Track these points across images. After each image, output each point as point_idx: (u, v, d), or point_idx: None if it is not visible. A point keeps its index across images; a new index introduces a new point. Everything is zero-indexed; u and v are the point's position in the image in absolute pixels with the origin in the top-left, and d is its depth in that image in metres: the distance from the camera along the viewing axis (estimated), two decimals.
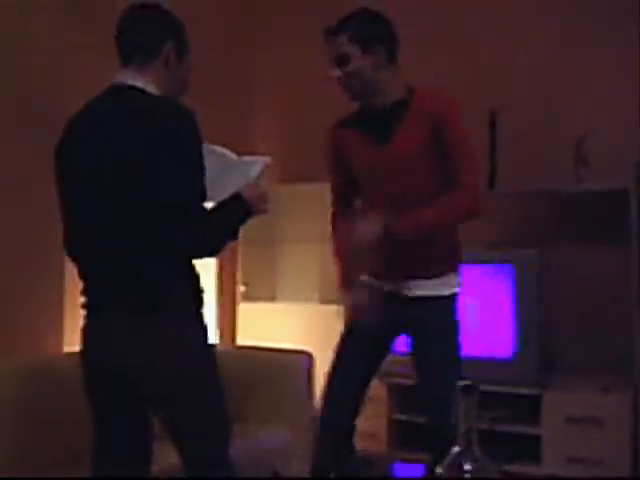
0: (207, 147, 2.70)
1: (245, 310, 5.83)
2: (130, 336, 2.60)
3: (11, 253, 4.01)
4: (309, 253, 5.63)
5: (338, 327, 4.78)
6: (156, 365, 2.60)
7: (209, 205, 2.68)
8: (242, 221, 2.77)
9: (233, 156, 2.91)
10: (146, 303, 2.62)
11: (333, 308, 5.30)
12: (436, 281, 3.27)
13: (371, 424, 4.61)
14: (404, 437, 5.03)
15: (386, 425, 5.03)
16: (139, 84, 2.68)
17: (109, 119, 2.61)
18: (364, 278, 3.33)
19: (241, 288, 5.86)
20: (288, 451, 4.30)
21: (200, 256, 2.69)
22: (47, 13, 4.23)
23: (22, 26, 4.09)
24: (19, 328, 4.05)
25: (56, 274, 4.23)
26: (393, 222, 3.08)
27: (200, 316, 2.71)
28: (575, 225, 5.01)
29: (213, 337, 2.90)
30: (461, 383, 1.68)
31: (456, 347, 3.28)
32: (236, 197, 2.76)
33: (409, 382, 4.38)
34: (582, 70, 5.07)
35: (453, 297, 3.31)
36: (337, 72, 3.21)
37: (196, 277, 2.72)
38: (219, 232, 2.67)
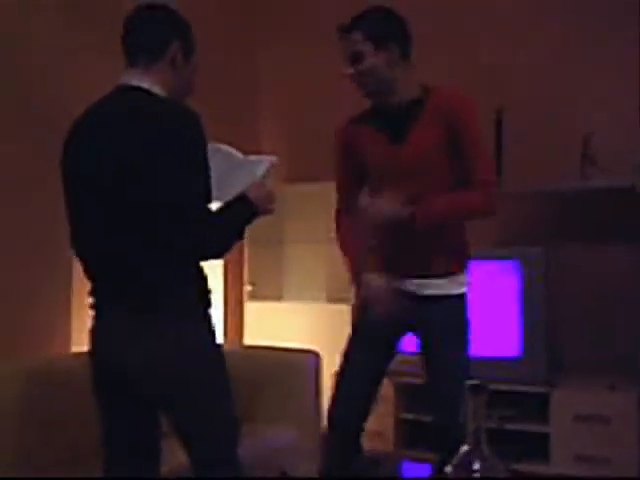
0: (212, 146, 2.69)
1: (252, 309, 5.84)
2: (130, 336, 2.60)
3: (17, 253, 4.01)
4: (316, 252, 5.62)
5: (345, 326, 4.79)
6: (157, 365, 2.59)
7: (215, 205, 2.67)
8: (248, 221, 2.76)
9: (239, 155, 2.91)
10: (146, 303, 2.60)
11: (340, 307, 5.32)
12: (445, 280, 3.25)
13: (378, 423, 4.61)
14: (411, 436, 5.03)
15: (393, 424, 5.02)
16: (145, 85, 2.67)
17: (111, 120, 2.61)
18: (375, 275, 3.31)
19: (248, 287, 5.86)
20: (296, 450, 4.30)
21: (205, 257, 2.68)
22: (47, 13, 4.23)
23: (22, 26, 4.09)
24: (27, 328, 4.05)
25: (64, 274, 4.24)
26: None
27: (206, 317, 2.70)
28: (581, 223, 5.01)
29: (219, 337, 2.89)
30: (470, 382, 1.66)
31: (465, 346, 3.26)
32: (241, 198, 2.75)
33: (416, 381, 4.38)
34: (582, 70, 5.07)
35: (462, 296, 3.29)
36: (351, 70, 3.19)
37: (202, 278, 2.71)
38: (223, 233, 2.66)
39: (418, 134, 3.18)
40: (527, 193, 4.97)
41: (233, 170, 2.86)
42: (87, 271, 2.72)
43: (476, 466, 1.65)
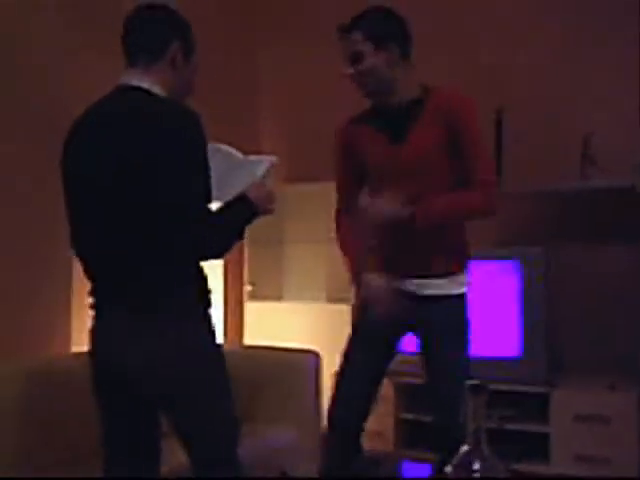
0: (212, 146, 2.69)
1: (252, 309, 5.84)
2: (130, 336, 2.59)
3: (17, 253, 4.01)
4: (316, 252, 5.62)
5: (345, 326, 4.78)
6: (156, 365, 2.59)
7: (215, 205, 2.67)
8: (248, 222, 2.76)
9: (239, 155, 2.91)
10: (146, 303, 2.60)
11: (340, 307, 5.33)
12: (445, 280, 3.25)
13: (378, 423, 4.61)
14: (411, 436, 5.03)
15: (393, 424, 5.02)
16: (145, 85, 2.67)
17: (111, 120, 2.61)
18: (375, 275, 3.30)
19: (248, 287, 5.86)
20: (295, 450, 4.30)
21: (205, 257, 2.67)
22: (47, 13, 4.23)
23: (22, 26, 4.09)
24: (27, 328, 4.05)
25: (64, 274, 4.24)
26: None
27: (206, 317, 2.70)
28: (581, 223, 5.01)
29: (219, 337, 2.89)
30: (470, 382, 1.66)
31: (465, 347, 3.26)
32: (241, 198, 2.75)
33: (416, 381, 4.38)
34: (582, 70, 5.07)
35: (462, 296, 3.29)
36: (351, 69, 3.19)
37: (202, 278, 2.71)
38: (223, 233, 2.66)
39: (418, 134, 3.18)
40: (527, 193, 4.97)
41: (233, 170, 2.85)
42: (87, 271, 2.72)
43: (476, 466, 1.65)
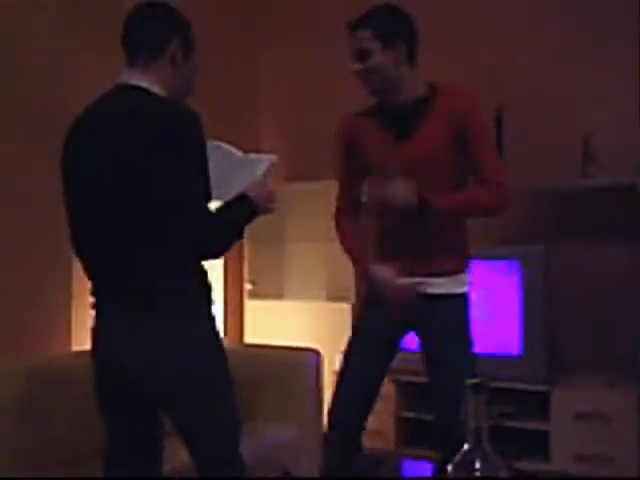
0: (212, 144, 2.69)
1: (252, 308, 5.85)
2: (129, 335, 2.60)
3: (13, 253, 4.01)
4: (316, 251, 5.62)
5: (346, 324, 4.79)
6: (156, 365, 2.59)
7: (215, 204, 2.67)
8: (248, 221, 2.76)
9: (239, 154, 2.91)
10: (145, 302, 2.61)
11: (340, 306, 5.33)
12: (449, 279, 3.25)
13: (379, 422, 4.60)
14: (411, 434, 5.03)
15: (394, 422, 5.02)
16: (144, 84, 2.67)
17: (110, 119, 2.60)
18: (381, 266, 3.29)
19: (248, 286, 5.87)
20: (296, 449, 4.31)
21: (204, 256, 2.67)
22: (47, 13, 4.23)
23: (22, 26, 4.09)
24: (27, 328, 4.06)
25: (64, 274, 4.24)
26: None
27: (207, 316, 2.70)
28: (582, 222, 5.02)
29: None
30: (471, 381, 1.66)
31: (468, 346, 3.27)
32: (242, 197, 2.75)
33: (417, 379, 4.38)
34: (582, 70, 5.08)
35: (464, 296, 3.29)
36: (358, 66, 3.18)
37: (203, 277, 2.71)
38: (222, 232, 2.65)
39: (425, 133, 3.18)
40: (527, 192, 4.97)
41: (233, 169, 2.85)
42: (87, 270, 2.72)
43: (477, 465, 1.64)
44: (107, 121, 2.60)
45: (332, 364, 4.80)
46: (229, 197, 2.75)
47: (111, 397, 2.75)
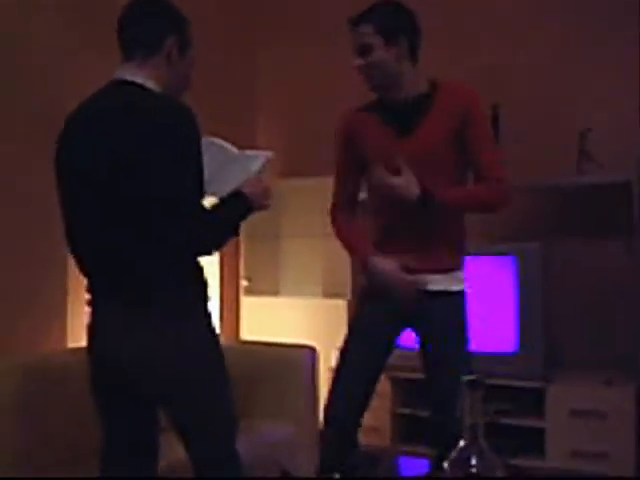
0: (206, 140, 2.69)
1: (248, 305, 5.85)
2: (125, 330, 2.60)
3: (13, 252, 4.02)
4: (312, 247, 5.64)
5: (342, 321, 4.80)
6: (153, 365, 2.60)
7: (209, 199, 2.68)
8: (243, 217, 2.76)
9: (234, 149, 2.90)
10: (140, 297, 2.61)
11: (336, 302, 5.34)
12: (445, 276, 3.26)
13: (375, 418, 4.61)
14: (408, 431, 5.04)
15: (390, 419, 5.03)
16: (139, 80, 2.67)
17: (105, 114, 2.60)
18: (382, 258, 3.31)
19: (244, 283, 5.87)
20: (292, 445, 4.31)
21: (199, 252, 2.67)
22: (47, 13, 4.23)
23: (22, 26, 4.09)
24: (22, 326, 4.05)
25: (59, 273, 4.24)
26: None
27: (203, 313, 2.70)
28: (578, 219, 5.03)
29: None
30: (467, 378, 1.68)
31: (465, 343, 3.28)
32: (237, 193, 2.75)
33: (413, 376, 4.40)
34: (582, 70, 5.08)
35: (462, 293, 3.30)
36: (360, 61, 3.18)
37: (199, 273, 2.71)
38: (217, 228, 2.66)
39: (426, 129, 3.18)
40: (525, 188, 4.98)
41: (228, 164, 2.85)
42: (82, 268, 2.72)
43: (473, 461, 1.66)
44: (102, 116, 2.60)
45: (328, 361, 4.81)
46: (224, 193, 2.76)
47: (107, 394, 2.75)
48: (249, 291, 5.87)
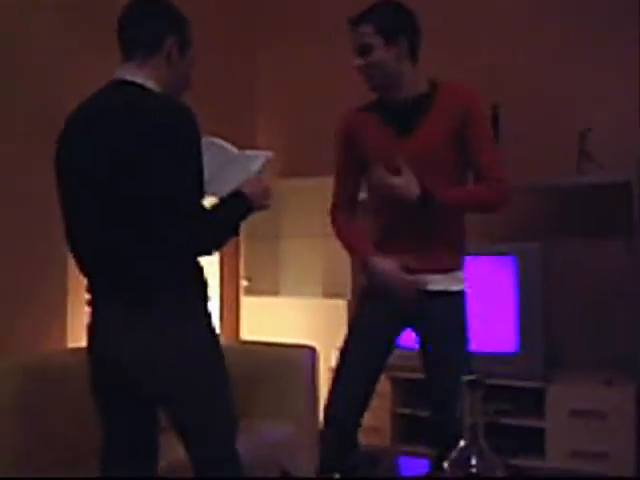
0: (206, 139, 2.68)
1: (248, 305, 5.85)
2: (125, 330, 2.60)
3: (13, 252, 4.02)
4: (312, 247, 5.64)
5: (342, 321, 4.79)
6: (151, 361, 2.59)
7: (209, 199, 2.67)
8: (243, 217, 2.76)
9: (234, 149, 2.89)
10: (140, 297, 2.61)
11: (336, 302, 5.34)
12: (445, 276, 3.26)
13: (375, 418, 4.60)
14: (408, 431, 5.04)
15: (389, 419, 5.03)
16: (139, 80, 2.66)
17: (105, 114, 2.60)
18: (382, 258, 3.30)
19: (244, 283, 5.87)
20: (292, 445, 4.30)
21: (199, 252, 2.67)
22: (47, 13, 4.23)
23: (22, 26, 4.09)
24: (22, 326, 4.05)
25: (59, 272, 4.24)
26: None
27: (203, 313, 2.70)
28: (578, 219, 5.03)
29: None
30: (467, 378, 1.67)
31: (465, 343, 3.28)
32: (237, 193, 2.75)
33: (413, 376, 4.39)
34: (582, 70, 5.08)
35: (462, 293, 3.30)
36: (360, 61, 3.18)
37: (199, 273, 2.70)
38: (217, 228, 2.66)
39: (427, 129, 3.18)
40: (525, 188, 4.97)
41: (227, 164, 2.85)
42: (82, 268, 2.72)
43: (473, 461, 1.66)
44: (102, 116, 2.60)
45: (328, 360, 4.81)
46: (224, 193, 2.75)
47: (107, 394, 2.75)
48: (249, 291, 5.87)
